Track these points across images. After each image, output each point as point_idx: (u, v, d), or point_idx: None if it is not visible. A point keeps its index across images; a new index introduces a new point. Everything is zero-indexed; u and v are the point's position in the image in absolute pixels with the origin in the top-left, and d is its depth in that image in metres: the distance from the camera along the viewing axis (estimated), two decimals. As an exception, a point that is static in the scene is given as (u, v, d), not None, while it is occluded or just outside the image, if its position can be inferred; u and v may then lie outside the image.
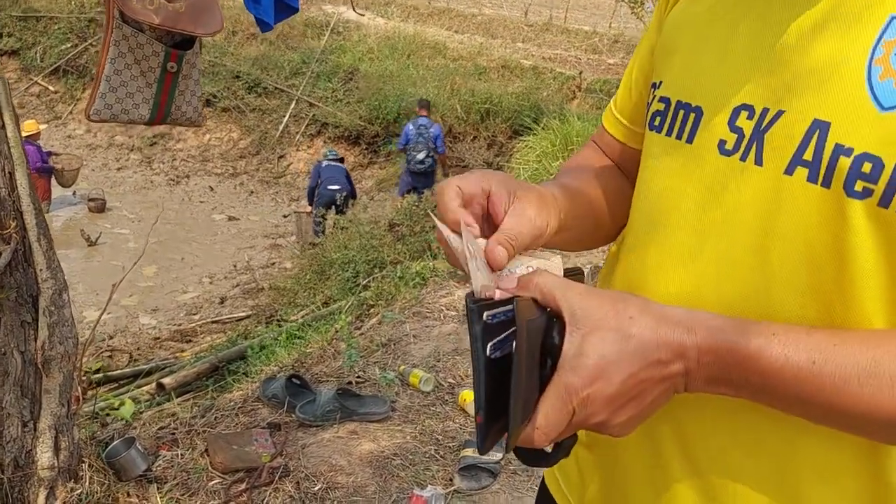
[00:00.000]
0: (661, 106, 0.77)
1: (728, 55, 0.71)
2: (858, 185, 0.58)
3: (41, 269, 2.00)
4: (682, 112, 0.74)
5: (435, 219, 0.68)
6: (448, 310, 3.93)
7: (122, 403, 2.82)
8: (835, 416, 0.58)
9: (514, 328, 0.56)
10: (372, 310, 4.42)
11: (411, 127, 8.69)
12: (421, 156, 8.53)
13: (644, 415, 0.60)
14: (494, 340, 0.56)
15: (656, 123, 0.77)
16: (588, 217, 0.84)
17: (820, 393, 0.57)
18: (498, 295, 0.61)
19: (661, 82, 0.79)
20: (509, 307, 0.58)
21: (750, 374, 0.58)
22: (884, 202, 0.57)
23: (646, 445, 0.74)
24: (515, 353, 0.55)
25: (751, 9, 0.71)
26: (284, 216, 9.85)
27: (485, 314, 0.57)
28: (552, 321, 0.59)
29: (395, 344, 3.50)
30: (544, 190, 0.76)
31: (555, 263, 0.69)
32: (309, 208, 8.51)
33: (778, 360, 0.57)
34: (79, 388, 2.21)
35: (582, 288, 0.60)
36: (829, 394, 0.56)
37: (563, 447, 0.65)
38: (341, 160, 8.90)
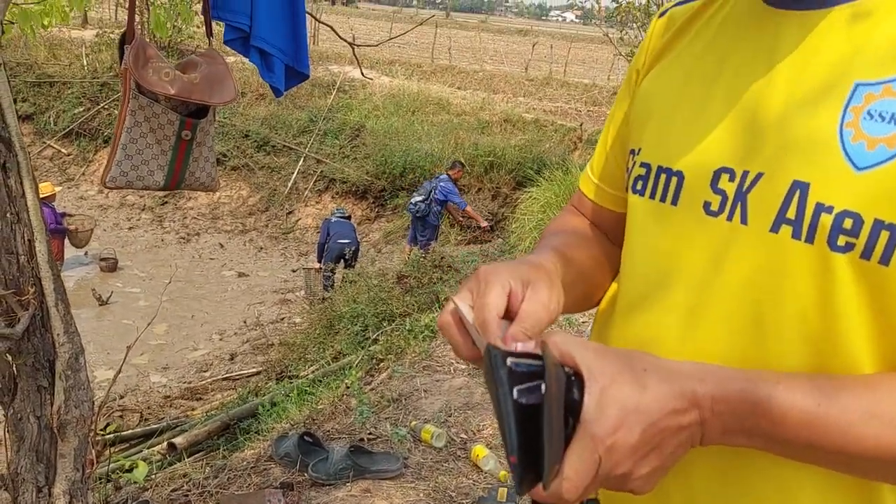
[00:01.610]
0: (643, 171, 0.80)
1: (704, 119, 0.74)
2: (841, 240, 0.62)
3: (58, 334, 2.03)
4: (663, 176, 0.77)
5: (462, 310, 0.70)
6: (458, 363, 3.93)
7: (134, 465, 2.81)
8: (843, 459, 0.60)
9: (539, 381, 0.58)
10: (382, 364, 4.42)
11: (433, 180, 8.98)
12: (417, 199, 8.76)
13: (664, 466, 0.62)
14: (520, 387, 0.58)
15: (639, 187, 0.81)
16: (578, 284, 0.86)
17: (827, 436, 0.59)
18: (519, 348, 0.63)
19: (640, 149, 0.82)
20: (536, 361, 0.60)
21: (760, 420, 0.60)
22: (865, 255, 0.61)
23: (654, 499, 0.75)
24: (546, 396, 0.57)
25: (723, 75, 0.75)
26: (293, 271, 9.91)
27: (509, 360, 0.59)
28: (571, 379, 0.60)
29: (406, 399, 3.49)
30: (549, 265, 0.78)
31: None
32: (318, 265, 8.59)
33: (784, 406, 0.59)
34: (93, 451, 2.22)
35: (596, 346, 0.62)
36: (836, 436, 0.59)
37: None
38: (349, 217, 9.04)
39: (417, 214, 8.73)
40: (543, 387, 0.57)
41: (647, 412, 0.58)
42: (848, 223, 0.61)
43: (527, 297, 0.70)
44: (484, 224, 9.27)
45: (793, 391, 0.60)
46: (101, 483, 2.64)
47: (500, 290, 0.69)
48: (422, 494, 2.69)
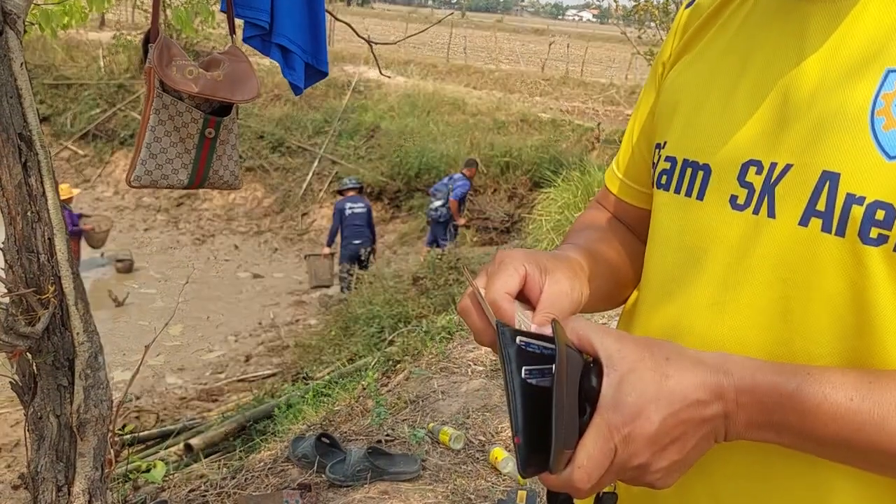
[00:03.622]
0: (668, 165, 0.79)
1: (730, 112, 0.73)
2: (873, 233, 0.60)
3: (78, 333, 2.02)
4: (689, 170, 0.76)
5: (480, 293, 0.68)
6: (476, 365, 3.91)
7: (152, 466, 2.81)
8: (876, 457, 0.58)
9: (551, 364, 0.56)
10: (398, 366, 4.41)
11: (445, 179, 8.90)
12: (436, 203, 8.68)
13: (686, 461, 0.60)
14: (530, 368, 0.56)
15: (664, 182, 0.79)
16: (607, 277, 0.85)
17: (859, 432, 0.57)
18: (533, 328, 0.61)
19: (665, 142, 0.80)
20: (545, 343, 0.58)
21: (789, 414, 0.58)
22: None
23: (676, 496, 0.73)
24: (556, 373, 0.55)
25: (750, 67, 0.73)
26: (307, 271, 9.94)
27: (518, 339, 0.57)
28: (589, 366, 0.59)
29: (423, 400, 3.47)
30: (571, 258, 0.77)
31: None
32: (327, 250, 8.56)
33: (815, 399, 0.57)
34: (112, 451, 2.21)
35: (617, 332, 0.61)
36: (869, 432, 0.56)
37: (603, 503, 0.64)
38: (360, 189, 8.83)
39: (440, 220, 8.65)
40: (554, 368, 0.55)
41: (667, 402, 0.56)
42: (880, 214, 0.59)
43: (546, 284, 0.69)
44: (461, 222, 9.08)
45: (824, 384, 0.57)
46: (119, 483, 2.64)
47: (513, 271, 0.68)
48: (440, 497, 2.66)
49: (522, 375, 0.55)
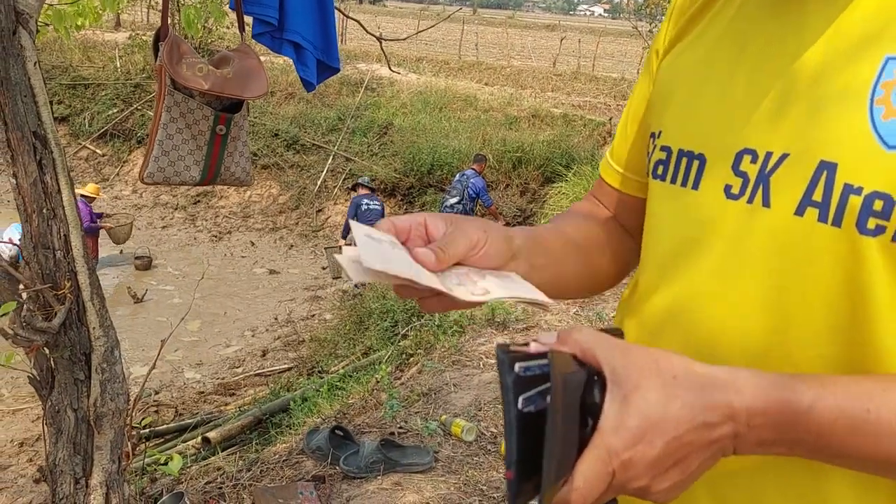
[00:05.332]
0: (663, 155, 0.78)
1: (727, 101, 0.72)
2: (871, 223, 0.59)
3: (94, 328, 2.06)
4: (684, 160, 0.75)
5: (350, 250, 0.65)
6: (487, 358, 3.92)
7: (169, 458, 2.85)
8: (893, 466, 0.56)
9: (549, 384, 0.54)
10: (411, 359, 4.43)
11: (457, 176, 8.89)
12: (452, 201, 8.63)
13: (689, 480, 0.58)
14: (528, 394, 0.54)
15: (659, 172, 0.78)
16: (569, 256, 0.83)
17: (879, 442, 0.55)
18: (533, 347, 0.59)
19: (660, 132, 0.79)
20: (544, 361, 0.55)
21: (803, 432, 0.56)
22: None
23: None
24: (550, 409, 0.52)
25: (746, 55, 0.72)
26: (323, 268, 9.99)
27: (517, 366, 0.54)
28: (592, 378, 0.56)
29: (435, 393, 3.49)
30: (498, 225, 0.76)
31: (513, 278, 0.70)
32: (342, 242, 8.64)
33: (832, 413, 0.55)
34: (129, 444, 2.25)
35: (623, 345, 0.58)
36: (889, 442, 0.55)
37: None
38: (372, 189, 8.93)
39: None
40: (549, 397, 0.53)
41: (673, 425, 0.54)
42: (878, 205, 0.58)
43: (450, 230, 0.69)
44: (501, 222, 9.22)
45: (837, 397, 0.55)
46: (136, 476, 2.68)
47: (407, 216, 0.68)
48: (452, 488, 2.68)
49: (519, 406, 0.53)
